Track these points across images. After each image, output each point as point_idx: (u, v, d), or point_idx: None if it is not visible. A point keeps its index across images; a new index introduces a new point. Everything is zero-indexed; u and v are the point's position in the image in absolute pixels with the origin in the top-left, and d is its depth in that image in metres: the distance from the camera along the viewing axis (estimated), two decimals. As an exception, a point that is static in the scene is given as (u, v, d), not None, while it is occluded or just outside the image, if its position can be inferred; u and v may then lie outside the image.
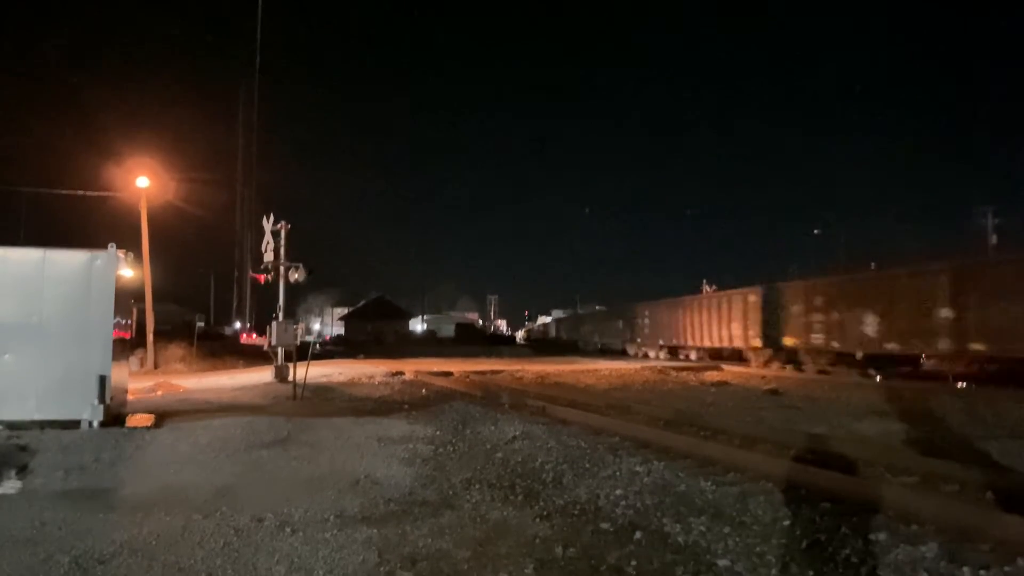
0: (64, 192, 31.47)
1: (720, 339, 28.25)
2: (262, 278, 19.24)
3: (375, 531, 5.02)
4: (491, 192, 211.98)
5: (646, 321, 36.51)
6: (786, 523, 5.10)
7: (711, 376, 21.14)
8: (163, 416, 10.56)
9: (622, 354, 37.39)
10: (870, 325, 19.79)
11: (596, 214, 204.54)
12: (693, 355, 30.71)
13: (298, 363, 15.57)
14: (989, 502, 5.77)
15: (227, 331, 61.33)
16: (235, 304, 62.19)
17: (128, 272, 10.62)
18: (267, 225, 19.23)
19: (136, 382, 15.84)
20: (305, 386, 14.39)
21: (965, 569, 4.11)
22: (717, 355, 28.43)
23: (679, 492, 5.99)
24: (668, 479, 6.38)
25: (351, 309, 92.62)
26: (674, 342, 32.58)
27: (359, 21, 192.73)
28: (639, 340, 37.30)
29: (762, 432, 9.46)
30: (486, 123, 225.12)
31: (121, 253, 9.87)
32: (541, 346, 55.64)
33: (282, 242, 19.15)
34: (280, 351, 18.45)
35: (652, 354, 34.48)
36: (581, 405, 12.69)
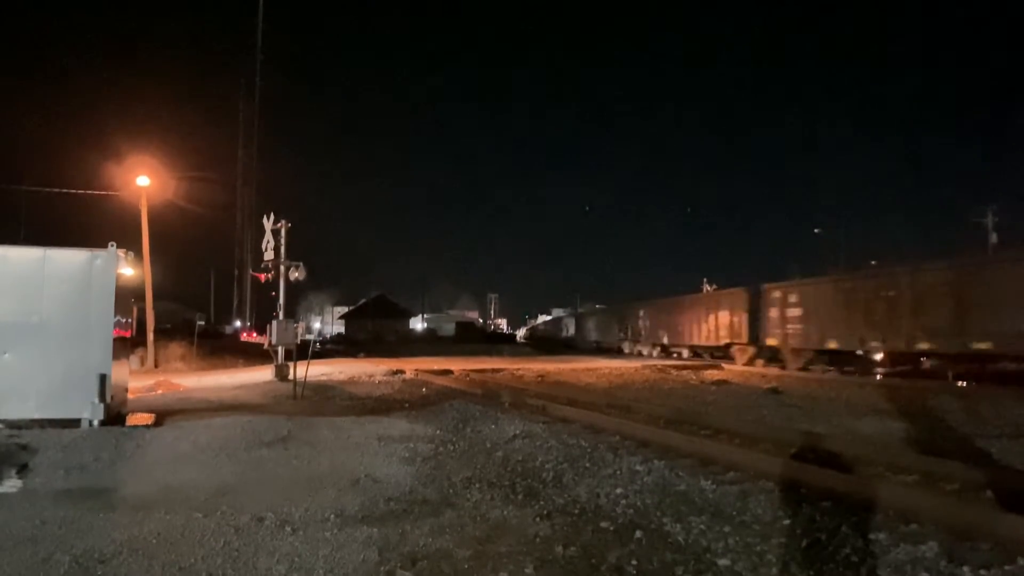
0: (64, 191, 31.54)
1: None
2: (264, 277, 19.27)
3: (375, 530, 5.02)
4: (491, 192, 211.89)
5: (792, 311, 22.95)
6: (786, 522, 5.10)
7: (711, 375, 21.14)
8: (163, 415, 10.57)
9: (718, 361, 26.41)
10: None
11: (596, 214, 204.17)
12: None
13: (298, 362, 15.59)
14: (989, 501, 5.77)
15: (227, 330, 61.37)
16: (235, 303, 62.32)
17: (128, 271, 10.61)
18: (267, 224, 19.27)
19: (136, 381, 15.84)
20: (305, 385, 14.40)
21: (965, 569, 4.11)
22: None
23: (679, 491, 5.99)
24: (668, 478, 6.38)
25: (351, 308, 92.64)
26: (867, 344, 19.67)
27: (360, 21, 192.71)
28: (766, 337, 24.23)
29: (762, 431, 9.46)
30: (486, 122, 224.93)
31: (121, 252, 9.86)
32: (544, 345, 50.89)
33: (282, 241, 19.19)
34: (280, 350, 18.47)
35: (794, 365, 22.42)
36: (581, 404, 12.70)
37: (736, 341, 26.56)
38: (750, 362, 24.82)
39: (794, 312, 22.94)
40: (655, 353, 33.24)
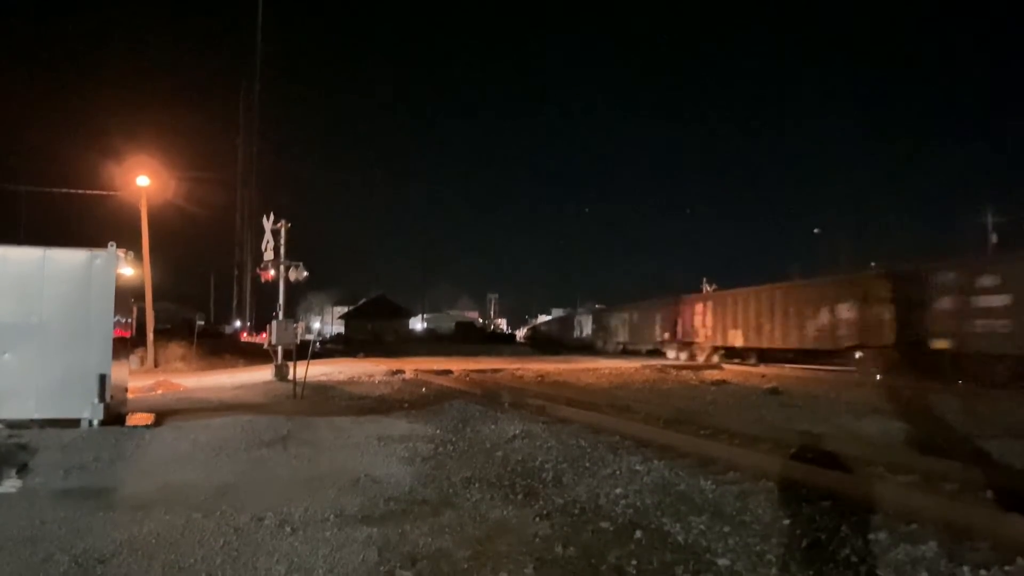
0: (64, 191, 31.57)
1: None
2: (269, 275, 19.27)
3: (375, 530, 5.01)
4: (491, 192, 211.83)
5: (987, 300, 16.43)
6: (786, 522, 5.10)
7: (711, 375, 21.12)
8: (163, 415, 10.57)
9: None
10: None
11: (596, 213, 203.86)
12: None
13: (298, 362, 15.59)
14: (989, 501, 5.76)
15: (227, 330, 61.31)
16: (235, 303, 62.25)
17: (128, 271, 10.62)
18: (267, 224, 19.29)
19: (136, 381, 15.85)
20: (305, 385, 14.40)
21: (965, 568, 4.12)
22: None
23: (679, 491, 5.99)
24: (668, 478, 6.39)
25: (351, 308, 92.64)
26: None
27: (360, 21, 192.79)
28: (931, 338, 17.93)
29: (762, 431, 9.45)
30: (486, 122, 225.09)
31: (121, 252, 9.86)
32: (548, 347, 46.69)
33: (282, 241, 19.20)
34: (280, 350, 18.47)
35: (991, 379, 15.96)
36: (581, 404, 12.69)
37: (869, 343, 19.91)
38: (889, 371, 18.59)
39: (991, 301, 16.19)
40: (715, 358, 27.50)
